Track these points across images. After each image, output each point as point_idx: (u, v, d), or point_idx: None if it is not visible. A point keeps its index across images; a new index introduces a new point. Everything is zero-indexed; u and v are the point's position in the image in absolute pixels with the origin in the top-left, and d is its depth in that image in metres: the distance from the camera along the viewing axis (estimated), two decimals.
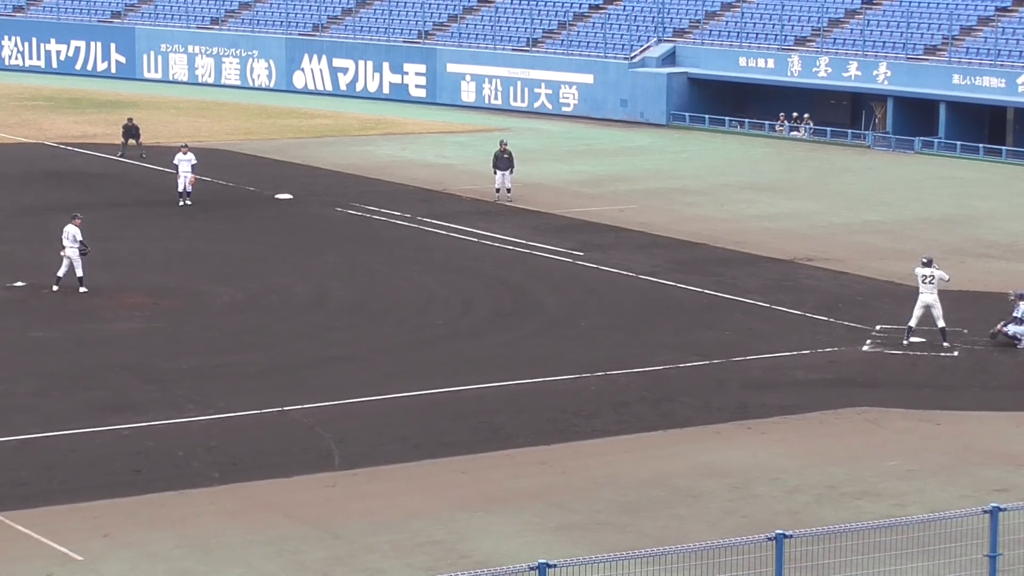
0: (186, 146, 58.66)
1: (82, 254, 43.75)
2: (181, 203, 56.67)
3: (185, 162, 57.18)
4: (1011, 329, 39.64)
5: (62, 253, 43.84)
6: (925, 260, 40.09)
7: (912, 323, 39.51)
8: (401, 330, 41.06)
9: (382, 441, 32.13)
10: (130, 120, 69.00)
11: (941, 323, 39.28)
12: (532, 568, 20.17)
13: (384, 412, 34.06)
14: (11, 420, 32.60)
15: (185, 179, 57.04)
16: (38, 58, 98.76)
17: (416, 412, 34.10)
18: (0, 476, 29.78)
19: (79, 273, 43.77)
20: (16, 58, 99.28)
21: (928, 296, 39.35)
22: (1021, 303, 39.75)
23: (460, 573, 22.86)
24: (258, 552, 26.27)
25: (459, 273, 47.38)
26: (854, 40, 78.05)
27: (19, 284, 44.88)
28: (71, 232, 44.02)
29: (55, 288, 43.77)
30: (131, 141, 67.84)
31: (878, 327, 41.03)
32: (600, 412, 34.21)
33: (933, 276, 39.41)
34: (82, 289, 43.64)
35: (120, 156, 67.21)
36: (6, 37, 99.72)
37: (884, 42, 77.00)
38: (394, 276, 46.90)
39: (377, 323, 41.74)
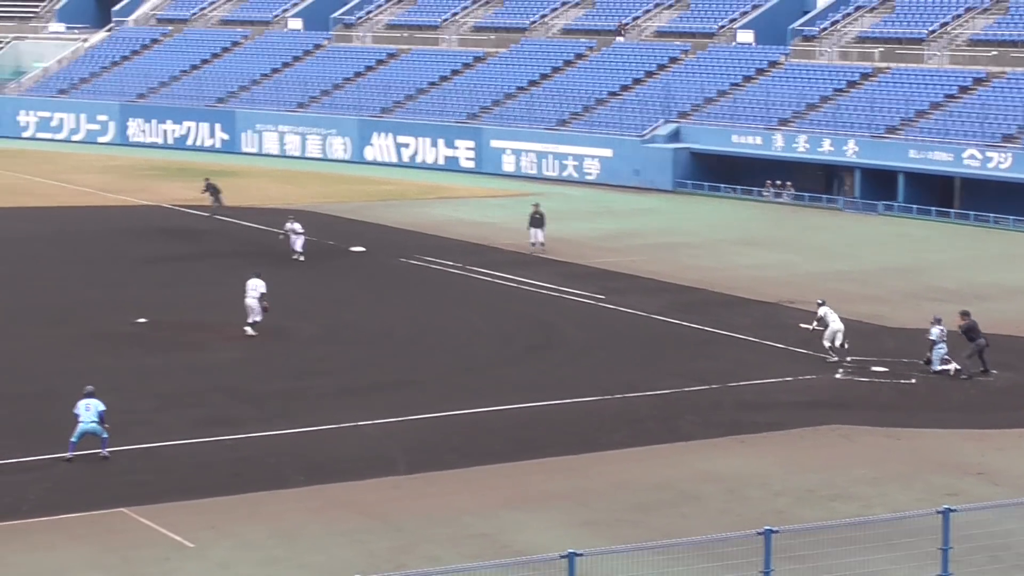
0: (292, 217, 58.26)
1: (264, 309, 43.31)
2: (295, 257, 56.10)
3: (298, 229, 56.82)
4: (935, 353, 39.35)
5: (245, 300, 43.45)
6: (820, 301, 41.81)
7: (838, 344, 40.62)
8: (453, 359, 41.02)
9: (438, 451, 32.09)
10: (207, 179, 69.06)
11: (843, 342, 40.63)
12: (563, 556, 20.11)
13: (439, 427, 34.02)
14: (134, 432, 32.64)
15: (297, 241, 56.67)
16: (157, 136, 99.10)
17: (466, 427, 34.07)
18: (125, 477, 29.86)
19: (255, 319, 43.27)
20: (139, 135, 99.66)
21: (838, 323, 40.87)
22: (934, 328, 39.54)
23: (502, 560, 22.81)
24: (336, 542, 26.26)
25: (500, 312, 47.35)
26: (827, 121, 77.92)
27: (141, 320, 44.93)
28: (256, 284, 43.58)
29: (248, 331, 43.13)
30: (210, 197, 67.72)
31: (848, 358, 40.85)
32: (617, 427, 34.13)
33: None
34: (249, 331, 42.99)
35: (213, 215, 67.08)
36: (131, 118, 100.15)
37: (852, 123, 76.86)
38: (447, 314, 46.88)
39: (433, 353, 41.71)
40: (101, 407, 31.02)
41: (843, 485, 29.94)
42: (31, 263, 55.40)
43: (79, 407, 31.01)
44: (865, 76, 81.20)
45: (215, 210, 67.25)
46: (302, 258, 56.15)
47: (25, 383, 37.72)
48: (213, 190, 67.92)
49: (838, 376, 39.20)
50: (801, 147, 77.07)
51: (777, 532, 21.20)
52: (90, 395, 31.25)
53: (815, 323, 41.20)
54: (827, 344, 40.69)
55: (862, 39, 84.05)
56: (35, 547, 25.97)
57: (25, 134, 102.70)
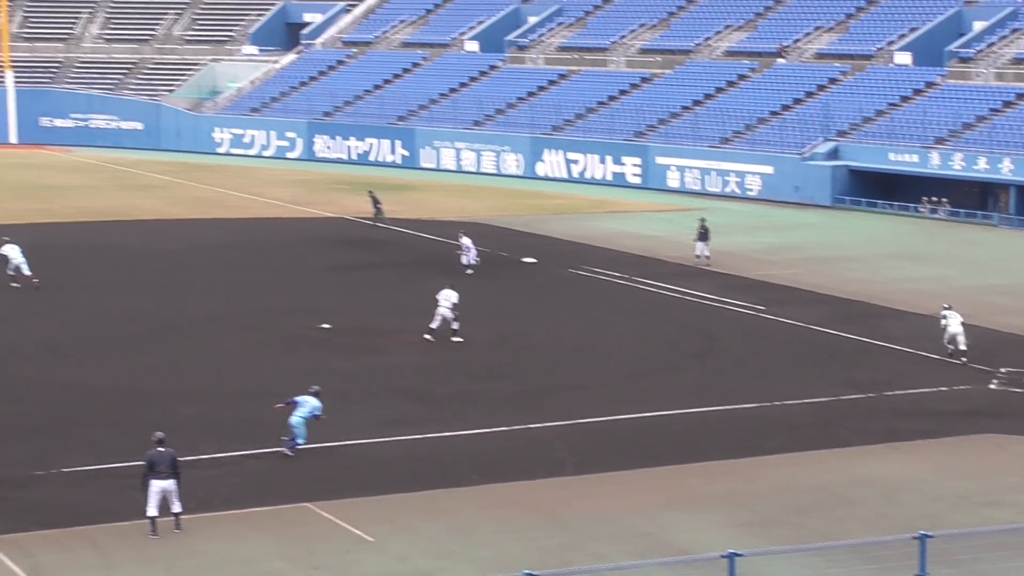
0: (464, 232, 58.32)
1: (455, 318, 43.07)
2: (468, 272, 55.90)
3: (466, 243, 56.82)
4: None
5: (437, 310, 43.38)
6: (946, 306, 42.25)
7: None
8: (619, 365, 40.96)
9: (604, 452, 32.07)
10: (370, 192, 70.46)
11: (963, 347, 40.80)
12: (723, 556, 19.99)
13: (606, 430, 34.00)
14: (318, 431, 32.82)
15: (470, 254, 56.88)
16: (341, 152, 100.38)
17: (631, 430, 34.00)
18: (309, 474, 30.26)
19: (454, 326, 43.26)
20: (325, 151, 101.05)
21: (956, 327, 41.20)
22: None
23: (664, 559, 22.73)
24: (506, 538, 26.36)
25: (665, 321, 47.17)
26: (983, 140, 76.48)
27: (326, 326, 45.45)
28: (448, 295, 43.73)
29: (427, 337, 43.18)
30: (372, 207, 68.95)
31: (1002, 369, 40.10)
32: (777, 433, 33.84)
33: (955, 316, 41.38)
34: (456, 339, 42.96)
35: (382, 225, 68.02)
36: (317, 135, 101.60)
37: (1008, 141, 75.37)
38: (614, 323, 46.82)
39: (601, 359, 41.69)
40: (313, 404, 31.48)
41: (997, 492, 29.36)
42: (226, 271, 56.39)
43: (300, 400, 31.58)
44: (1020, 96, 79.50)
45: (379, 220, 68.28)
46: (470, 271, 55.66)
47: (219, 384, 38.40)
48: (374, 201, 69.19)
49: (992, 387, 38.48)
50: (957, 165, 75.74)
51: (932, 536, 20.85)
52: (314, 395, 31.82)
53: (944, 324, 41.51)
54: (949, 347, 40.41)
55: (1018, 61, 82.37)
56: (225, 538, 26.45)
57: (220, 150, 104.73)
